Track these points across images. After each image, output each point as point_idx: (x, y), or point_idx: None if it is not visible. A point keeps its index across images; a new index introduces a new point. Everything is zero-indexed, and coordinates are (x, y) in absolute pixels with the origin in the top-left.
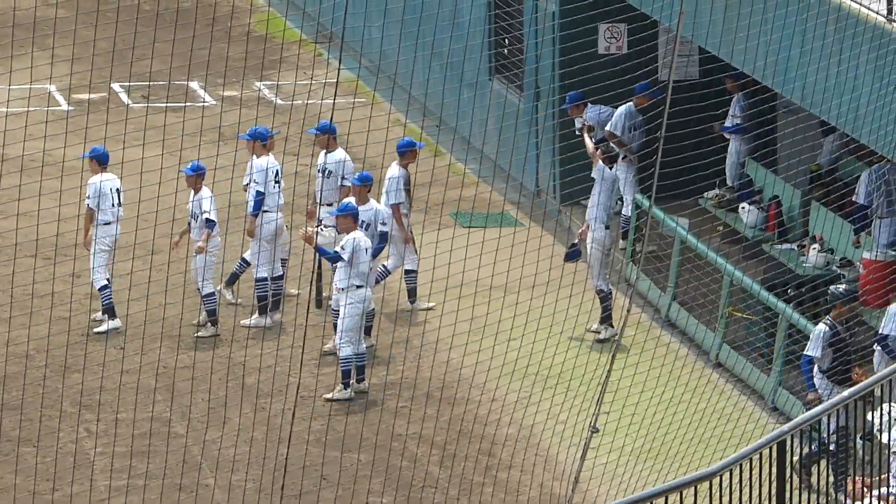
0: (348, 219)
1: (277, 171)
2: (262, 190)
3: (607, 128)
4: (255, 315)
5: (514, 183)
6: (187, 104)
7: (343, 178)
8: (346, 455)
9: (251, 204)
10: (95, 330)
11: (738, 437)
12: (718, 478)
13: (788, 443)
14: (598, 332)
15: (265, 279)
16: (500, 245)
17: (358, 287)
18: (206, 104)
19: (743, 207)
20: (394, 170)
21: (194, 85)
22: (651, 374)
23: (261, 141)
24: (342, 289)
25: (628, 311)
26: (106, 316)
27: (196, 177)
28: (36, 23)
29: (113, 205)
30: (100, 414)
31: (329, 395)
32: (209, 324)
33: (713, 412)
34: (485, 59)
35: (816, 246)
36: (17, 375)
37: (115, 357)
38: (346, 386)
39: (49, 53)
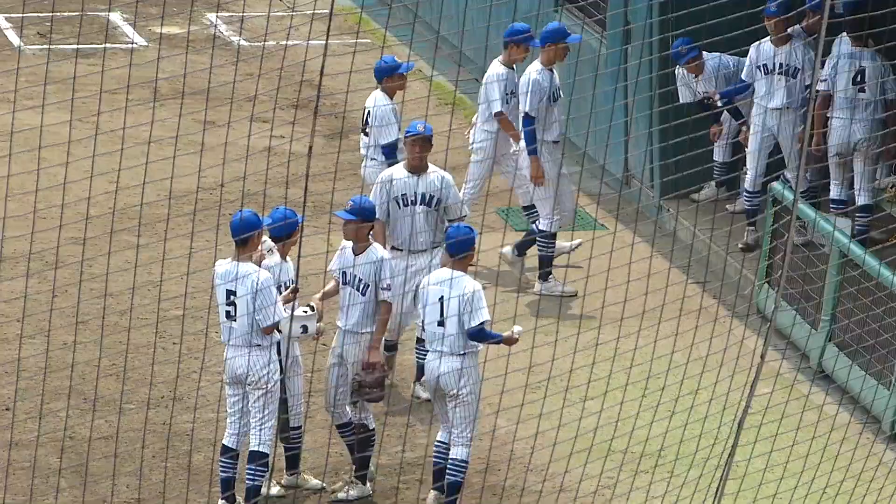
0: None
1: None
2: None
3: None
4: None
5: (591, 166)
6: (107, 45)
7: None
8: None
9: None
10: None
11: None
12: None
13: None
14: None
15: None
16: (570, 258)
17: None
18: (135, 46)
19: None
20: None
21: (116, 18)
22: (795, 451)
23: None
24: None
25: (762, 357)
26: None
27: None
28: None
29: None
30: None
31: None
32: None
33: None
34: None
35: None
36: None
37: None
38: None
39: None
